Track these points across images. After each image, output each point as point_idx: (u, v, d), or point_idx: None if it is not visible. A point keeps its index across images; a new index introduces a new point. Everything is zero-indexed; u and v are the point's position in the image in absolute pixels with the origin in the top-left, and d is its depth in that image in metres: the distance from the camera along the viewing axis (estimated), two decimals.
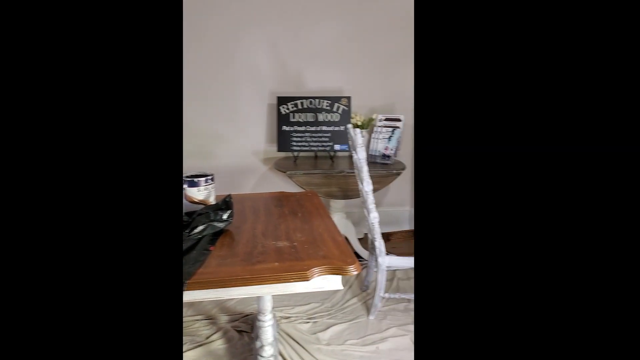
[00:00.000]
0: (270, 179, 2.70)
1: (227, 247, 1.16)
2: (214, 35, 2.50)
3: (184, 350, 1.58)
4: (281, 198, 1.64)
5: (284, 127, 2.49)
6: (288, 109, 2.48)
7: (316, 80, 2.61)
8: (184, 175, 1.42)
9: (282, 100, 2.49)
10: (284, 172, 2.30)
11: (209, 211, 1.29)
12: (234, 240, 1.22)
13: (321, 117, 2.47)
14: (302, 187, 2.23)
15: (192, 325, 1.74)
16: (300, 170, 2.26)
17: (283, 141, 2.50)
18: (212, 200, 1.44)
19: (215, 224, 1.27)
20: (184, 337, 1.67)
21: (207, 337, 1.65)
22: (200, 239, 1.21)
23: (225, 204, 1.33)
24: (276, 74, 2.60)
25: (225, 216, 1.29)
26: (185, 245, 1.15)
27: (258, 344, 1.40)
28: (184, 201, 1.41)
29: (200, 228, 1.23)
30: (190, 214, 1.35)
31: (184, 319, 1.77)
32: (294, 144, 2.50)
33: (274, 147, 2.61)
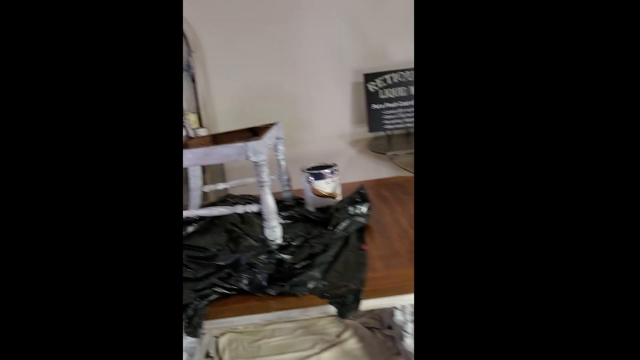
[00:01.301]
0: (360, 162, 2.56)
1: (382, 245, 1.04)
2: (287, 18, 2.37)
3: (317, 351, 1.51)
4: (404, 184, 1.50)
5: (374, 106, 2.33)
6: (377, 85, 2.31)
7: (402, 53, 2.40)
8: (305, 168, 1.31)
9: (369, 77, 2.32)
10: (383, 154, 2.15)
11: (346, 205, 1.17)
12: (383, 235, 1.09)
13: (414, 90, 2.28)
14: (406, 169, 2.07)
15: (318, 324, 1.66)
16: (403, 150, 2.10)
17: (374, 120, 2.35)
18: (338, 192, 1.32)
19: (357, 218, 1.14)
20: (312, 337, 1.60)
21: (338, 336, 1.57)
22: (347, 238, 1.09)
23: (360, 195, 1.20)
24: (358, 51, 2.43)
25: (364, 209, 1.17)
26: (332, 246, 1.04)
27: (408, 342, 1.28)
28: (311, 195, 1.30)
29: (344, 224, 1.11)
30: (324, 209, 1.24)
31: (309, 317, 1.69)
32: (387, 122, 2.33)
33: (361, 128, 2.46)
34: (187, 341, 1.44)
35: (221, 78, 2.54)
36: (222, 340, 1.63)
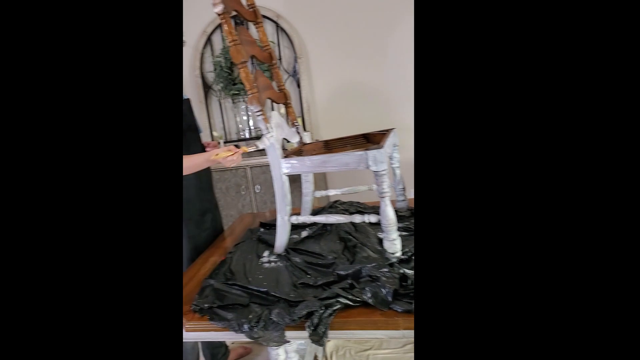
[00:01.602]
0: None
1: None
2: (391, 23, 2.31)
3: None
4: None
5: None
6: None
7: None
8: None
9: None
10: None
11: None
12: None
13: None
14: None
15: None
16: None
17: None
18: None
19: None
20: None
21: None
22: None
23: None
24: None
25: None
26: None
27: None
28: None
29: None
30: None
31: None
32: None
33: None
34: (297, 342, 1.47)
35: (324, 83, 2.57)
36: (330, 345, 1.64)
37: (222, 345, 1.67)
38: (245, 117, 2.71)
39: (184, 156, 1.32)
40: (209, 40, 2.67)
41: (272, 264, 1.19)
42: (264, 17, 2.44)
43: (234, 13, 1.26)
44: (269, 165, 2.50)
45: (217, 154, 1.25)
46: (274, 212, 1.70)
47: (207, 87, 2.76)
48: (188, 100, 1.55)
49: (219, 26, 2.65)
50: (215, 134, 2.75)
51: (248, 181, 2.49)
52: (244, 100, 2.67)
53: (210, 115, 2.77)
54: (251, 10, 1.39)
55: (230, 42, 1.16)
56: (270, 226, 1.49)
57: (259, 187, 2.48)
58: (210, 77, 2.74)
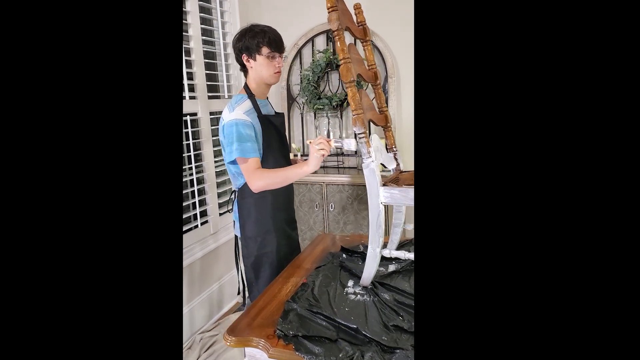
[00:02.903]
0: None
1: None
2: None
3: None
4: None
5: None
6: None
7: None
8: None
9: None
10: None
11: None
12: None
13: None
14: None
15: None
16: None
17: None
18: None
19: None
20: None
21: None
22: None
23: None
24: None
25: None
26: None
27: None
28: None
29: None
30: None
31: None
32: None
33: None
34: None
35: (412, 104, 2.48)
36: None
37: None
38: (326, 133, 2.69)
39: (281, 169, 1.32)
40: (299, 53, 2.69)
41: (358, 296, 1.12)
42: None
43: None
44: (344, 184, 2.48)
45: (310, 141, 1.25)
46: (355, 237, 1.63)
47: (291, 99, 2.77)
48: (282, 114, 1.57)
49: (311, 40, 2.67)
50: (293, 146, 2.75)
51: (323, 198, 2.45)
52: (327, 116, 2.65)
53: (291, 127, 2.78)
54: (360, 27, 1.35)
55: (341, 60, 1.11)
56: (353, 253, 1.43)
57: (332, 205, 2.43)
58: (296, 89, 2.76)
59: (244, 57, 1.38)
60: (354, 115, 1.10)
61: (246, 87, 1.42)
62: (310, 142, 1.25)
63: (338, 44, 1.12)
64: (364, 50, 1.37)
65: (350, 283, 1.20)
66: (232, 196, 1.51)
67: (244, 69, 1.43)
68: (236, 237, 1.58)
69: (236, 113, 1.33)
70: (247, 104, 1.38)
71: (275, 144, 1.43)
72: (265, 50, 1.35)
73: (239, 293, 1.67)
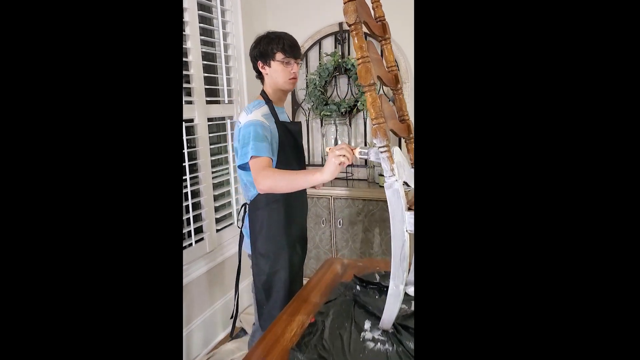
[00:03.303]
0: None
1: None
2: None
3: None
4: None
5: None
6: None
7: None
8: None
9: None
10: None
11: None
12: None
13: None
14: None
15: None
16: None
17: None
18: None
19: None
20: None
21: None
22: None
23: None
24: None
25: None
26: None
27: None
28: None
29: None
30: None
31: None
32: None
33: None
34: None
35: None
36: None
37: None
38: (333, 142, 2.50)
39: (291, 171, 1.20)
40: (305, 56, 2.52)
41: (379, 344, 0.92)
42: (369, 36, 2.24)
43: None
44: (354, 198, 2.28)
45: (330, 148, 1.14)
46: (368, 263, 1.44)
47: (296, 105, 2.60)
48: (299, 123, 1.52)
49: (318, 42, 2.49)
50: None
51: (330, 213, 2.25)
52: (334, 123, 2.47)
53: None
54: (379, 23, 1.17)
55: (359, 59, 0.93)
56: (367, 283, 1.23)
57: (341, 221, 2.24)
58: (302, 94, 2.58)
59: (259, 64, 1.36)
60: (374, 124, 0.92)
61: (263, 94, 1.39)
62: (329, 150, 1.07)
63: (356, 39, 0.93)
64: (383, 49, 1.18)
65: (367, 325, 1.00)
66: (243, 210, 1.43)
67: (260, 76, 1.40)
68: (240, 253, 1.47)
69: (254, 115, 1.29)
70: (265, 108, 1.34)
71: (290, 151, 1.37)
72: (279, 55, 1.32)
73: (231, 317, 1.53)
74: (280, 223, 1.35)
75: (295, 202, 1.41)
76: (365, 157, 1.01)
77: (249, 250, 1.41)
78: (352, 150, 1.05)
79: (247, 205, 1.40)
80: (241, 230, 1.45)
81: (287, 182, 1.15)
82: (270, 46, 1.32)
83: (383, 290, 1.19)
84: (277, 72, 1.33)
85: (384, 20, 1.17)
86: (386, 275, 1.27)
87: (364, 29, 1.01)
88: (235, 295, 1.51)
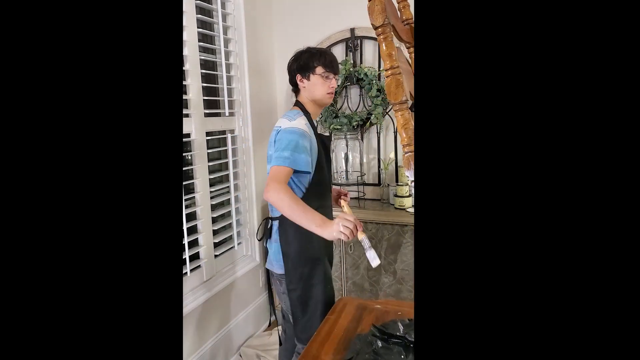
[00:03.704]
0: None
1: None
2: None
3: None
4: None
5: None
6: None
7: None
8: None
9: None
10: None
11: None
12: None
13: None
14: None
15: None
16: None
17: None
18: None
19: None
20: None
21: None
22: None
23: None
24: None
25: None
26: None
27: None
28: None
29: None
30: None
31: None
32: None
33: None
34: None
35: None
36: None
37: None
38: (343, 156, 2.31)
39: (307, 209, 1.17)
40: None
41: None
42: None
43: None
44: (367, 221, 2.07)
45: (344, 204, 1.20)
46: (388, 305, 1.24)
47: None
48: (330, 137, 1.51)
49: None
50: None
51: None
52: (345, 137, 2.28)
53: None
54: (407, 27, 0.98)
55: (388, 70, 0.74)
56: (389, 336, 1.03)
57: (352, 246, 2.03)
58: None
59: (298, 77, 1.39)
60: (406, 153, 0.72)
61: (299, 105, 1.41)
62: (343, 207, 1.17)
63: (384, 46, 0.75)
64: (411, 58, 1.00)
65: None
66: (269, 224, 1.41)
67: (296, 89, 1.43)
68: (267, 271, 1.47)
69: (298, 122, 1.30)
70: (305, 119, 1.35)
71: (325, 164, 1.40)
72: (320, 69, 1.36)
73: (270, 325, 1.66)
74: (313, 236, 1.24)
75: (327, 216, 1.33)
76: (364, 247, 1.10)
77: (274, 267, 1.40)
78: (358, 225, 1.12)
79: (271, 220, 1.39)
80: (265, 246, 1.45)
81: (290, 210, 1.16)
82: (312, 60, 1.36)
83: (409, 346, 0.99)
84: (316, 85, 1.36)
85: (412, 23, 0.98)
86: (411, 325, 1.07)
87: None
88: (272, 306, 1.57)
